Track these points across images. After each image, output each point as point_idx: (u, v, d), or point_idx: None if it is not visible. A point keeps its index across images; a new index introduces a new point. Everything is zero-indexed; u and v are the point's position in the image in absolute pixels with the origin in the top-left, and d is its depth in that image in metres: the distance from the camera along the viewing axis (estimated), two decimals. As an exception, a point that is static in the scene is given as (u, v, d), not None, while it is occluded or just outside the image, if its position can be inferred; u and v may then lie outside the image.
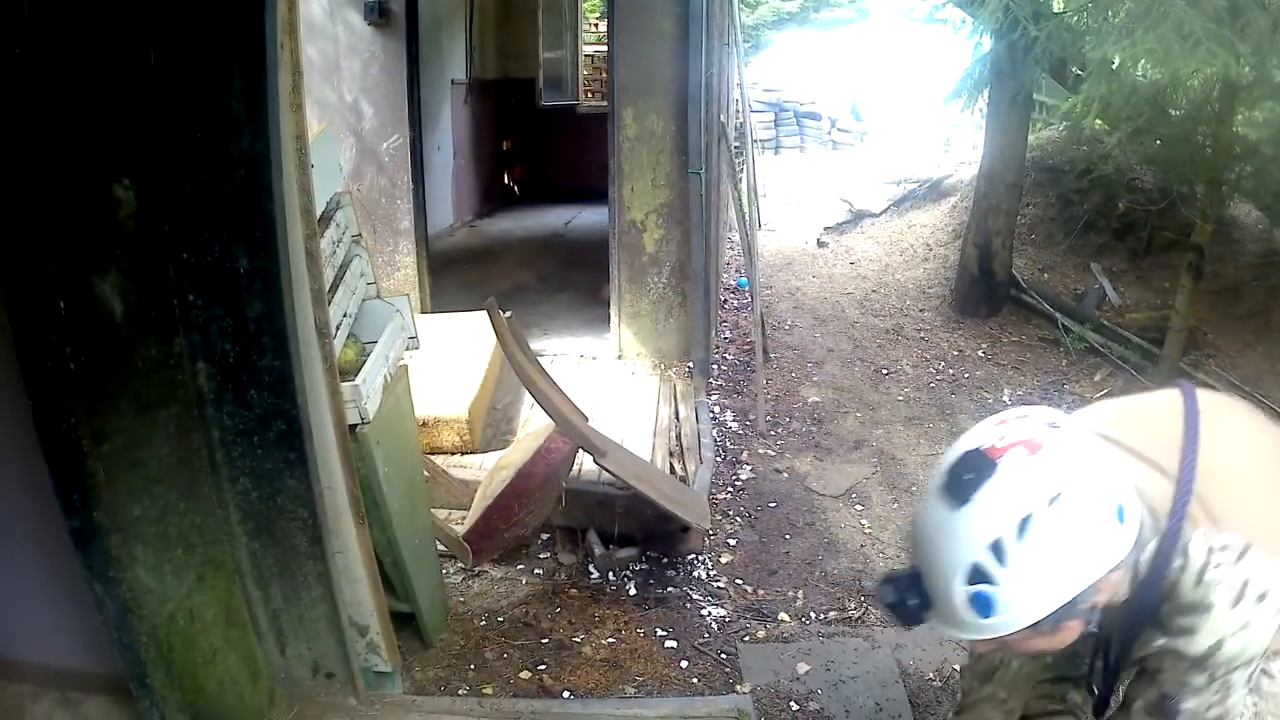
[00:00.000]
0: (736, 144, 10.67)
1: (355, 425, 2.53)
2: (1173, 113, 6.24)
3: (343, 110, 5.24)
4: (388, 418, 2.74)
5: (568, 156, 10.14)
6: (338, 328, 2.62)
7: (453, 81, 8.60)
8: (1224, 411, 1.87)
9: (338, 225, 2.79)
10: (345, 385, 2.43)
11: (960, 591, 1.53)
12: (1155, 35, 4.59)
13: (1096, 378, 6.38)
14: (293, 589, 2.40)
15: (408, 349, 3.03)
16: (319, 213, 2.53)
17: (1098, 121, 7.11)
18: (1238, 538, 1.61)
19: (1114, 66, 5.57)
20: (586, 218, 9.31)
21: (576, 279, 6.43)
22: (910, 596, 1.62)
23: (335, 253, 2.75)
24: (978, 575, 1.51)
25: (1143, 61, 5.67)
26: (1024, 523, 1.48)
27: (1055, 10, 7.45)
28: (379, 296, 3.02)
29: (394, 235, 5.47)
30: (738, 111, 8.84)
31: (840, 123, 17.23)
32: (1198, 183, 6.46)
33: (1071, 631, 1.63)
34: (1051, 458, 1.54)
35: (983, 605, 1.52)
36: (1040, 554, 1.49)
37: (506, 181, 10.45)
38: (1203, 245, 5.95)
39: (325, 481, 2.33)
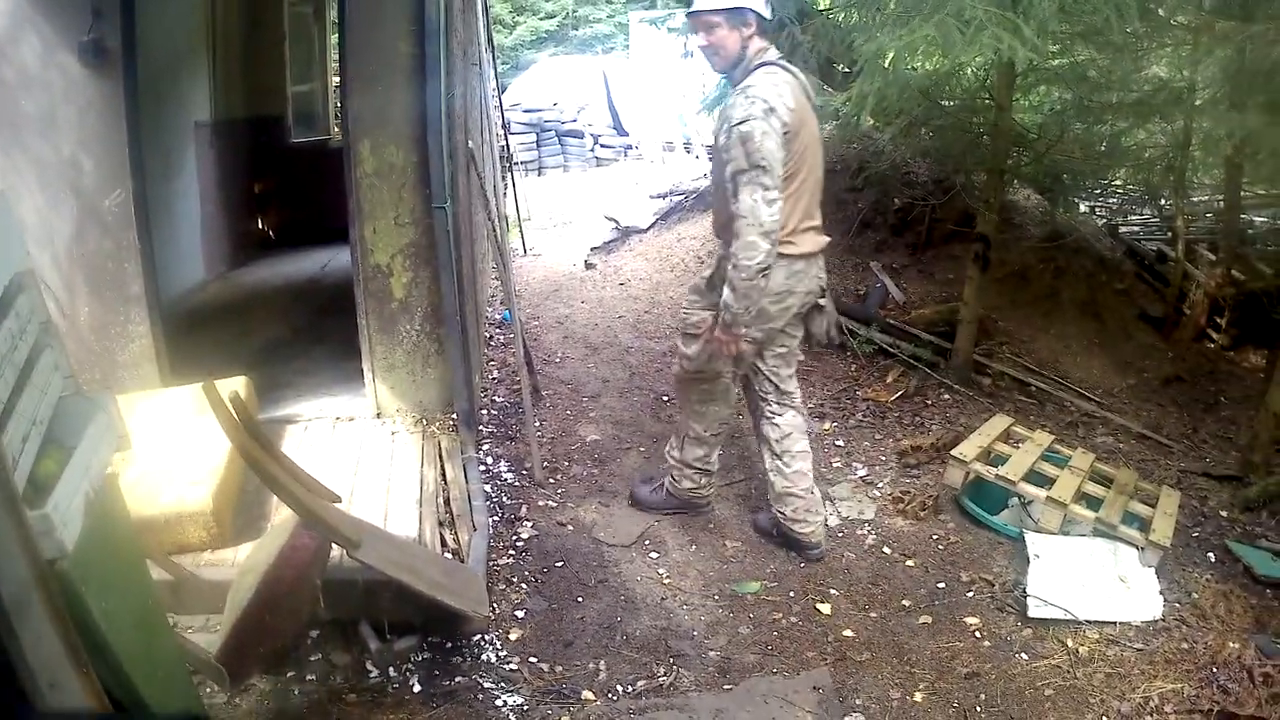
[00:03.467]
0: (504, 166, 10.54)
1: (55, 560, 2.22)
2: (946, 104, 6.48)
3: (62, 167, 4.70)
4: (96, 542, 2.42)
5: (322, 195, 9.55)
6: (25, 440, 2.31)
7: (196, 124, 8.06)
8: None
9: (18, 314, 2.45)
10: (31, 515, 2.12)
11: None
12: (934, 22, 4.66)
13: (889, 379, 6.56)
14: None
15: (117, 450, 2.71)
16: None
17: (869, 119, 7.33)
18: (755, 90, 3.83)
19: (886, 61, 5.68)
20: (344, 259, 8.85)
21: (333, 329, 6.08)
22: None
23: (17, 348, 2.42)
24: None
25: (919, 52, 5.82)
26: None
27: (820, 8, 7.68)
28: (78, 391, 2.70)
29: (124, 302, 4.94)
30: (498, 134, 8.66)
31: (603, 139, 17.57)
32: (977, 172, 6.77)
33: (732, 38, 3.95)
34: None
35: None
36: None
37: (261, 226, 9.96)
38: (988, 234, 6.24)
39: (30, 636, 2.03)
